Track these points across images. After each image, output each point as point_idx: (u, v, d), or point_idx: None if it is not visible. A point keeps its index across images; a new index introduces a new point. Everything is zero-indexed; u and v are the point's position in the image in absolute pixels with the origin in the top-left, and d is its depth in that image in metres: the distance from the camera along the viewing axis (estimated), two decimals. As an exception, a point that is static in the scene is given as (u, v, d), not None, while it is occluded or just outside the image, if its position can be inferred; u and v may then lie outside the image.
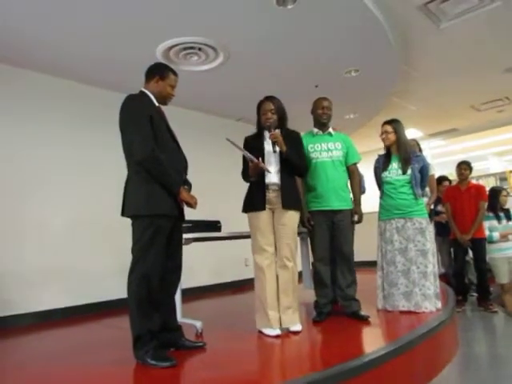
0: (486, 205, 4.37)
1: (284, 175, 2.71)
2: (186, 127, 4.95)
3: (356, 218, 3.12)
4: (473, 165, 4.55)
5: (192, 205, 2.37)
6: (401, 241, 3.18)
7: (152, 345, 2.14)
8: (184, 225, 3.06)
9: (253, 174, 2.70)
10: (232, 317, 3.55)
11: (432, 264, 3.14)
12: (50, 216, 4.00)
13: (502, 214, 4.48)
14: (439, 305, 3.10)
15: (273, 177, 2.71)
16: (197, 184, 4.71)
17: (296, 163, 2.73)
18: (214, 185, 5.17)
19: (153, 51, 3.68)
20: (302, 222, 2.98)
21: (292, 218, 2.70)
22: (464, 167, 4.43)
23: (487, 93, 5.90)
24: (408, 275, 3.12)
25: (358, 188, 3.15)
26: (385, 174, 3.29)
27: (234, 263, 5.52)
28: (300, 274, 4.16)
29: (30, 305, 3.74)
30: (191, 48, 3.71)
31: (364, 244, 4.08)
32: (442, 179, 5.23)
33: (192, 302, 4.54)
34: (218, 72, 4.25)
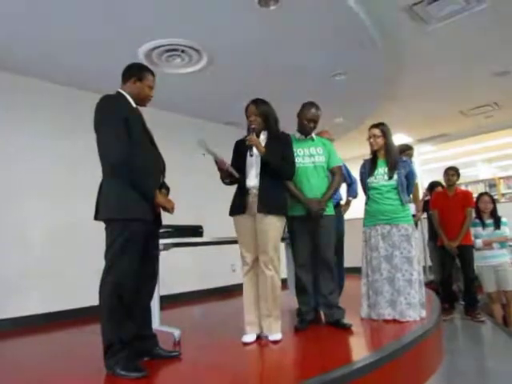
0: (473, 211, 4.32)
1: (264, 179, 2.63)
2: (171, 131, 4.90)
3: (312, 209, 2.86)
4: (462, 171, 4.51)
5: (169, 209, 2.29)
6: (386, 247, 3.10)
7: (123, 354, 2.06)
8: (164, 230, 2.99)
9: (223, 176, 2.68)
10: (214, 324, 3.47)
11: (417, 272, 3.07)
12: (31, 222, 3.92)
13: (489, 221, 4.41)
14: (424, 313, 3.04)
15: (252, 180, 2.65)
16: (183, 188, 4.67)
17: (277, 166, 2.64)
18: (201, 189, 5.09)
19: (135, 53, 3.61)
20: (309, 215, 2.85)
21: (273, 223, 2.60)
22: (451, 173, 4.38)
23: (476, 98, 5.89)
24: (393, 283, 3.05)
25: (335, 187, 3.01)
26: (370, 180, 3.21)
27: (221, 268, 5.43)
28: (286, 280, 4.10)
29: (10, 310, 3.66)
30: (174, 50, 3.64)
31: (351, 250, 4.00)
32: (434, 185, 5.19)
33: (176, 308, 4.45)
34: (202, 75, 4.18)
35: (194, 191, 4.93)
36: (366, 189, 3.30)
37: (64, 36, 3.35)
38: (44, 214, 4.00)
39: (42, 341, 3.30)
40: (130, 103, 2.28)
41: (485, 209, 4.42)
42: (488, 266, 4.33)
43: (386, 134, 3.20)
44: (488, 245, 4.34)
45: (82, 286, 4.00)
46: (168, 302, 4.50)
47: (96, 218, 2.18)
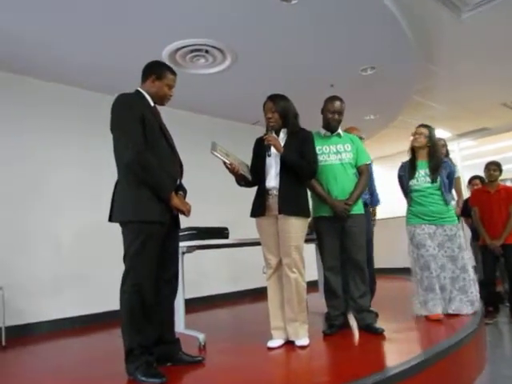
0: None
1: (284, 179, 2.54)
2: (196, 132, 4.89)
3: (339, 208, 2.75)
4: (509, 166, 4.20)
5: (184, 212, 2.22)
6: (434, 246, 3.12)
7: (143, 359, 2.02)
8: (187, 232, 2.97)
9: (237, 179, 2.63)
10: (242, 328, 3.42)
11: (460, 270, 3.11)
12: (59, 225, 4.00)
13: None
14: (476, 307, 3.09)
15: (272, 181, 2.56)
16: (213, 189, 4.65)
17: (296, 166, 2.53)
18: (230, 189, 5.05)
19: (159, 54, 3.61)
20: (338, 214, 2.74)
21: (295, 224, 2.50)
22: (493, 168, 4.09)
23: (519, 89, 5.52)
24: (439, 281, 3.09)
25: (362, 187, 2.86)
26: (413, 182, 3.22)
27: (251, 270, 5.37)
28: (317, 282, 3.98)
29: (42, 314, 3.75)
30: (198, 50, 3.63)
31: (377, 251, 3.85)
32: (472, 178, 5.01)
33: (206, 311, 4.44)
34: (227, 75, 4.15)
35: (223, 192, 4.88)
36: (406, 191, 3.29)
37: (87, 37, 3.39)
38: (77, 216, 4.08)
39: (73, 344, 3.36)
40: (147, 102, 2.23)
41: None
42: None
43: (432, 137, 3.22)
44: None
45: (116, 288, 4.08)
46: (196, 304, 4.52)
47: (110, 219, 2.16)
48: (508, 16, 3.63)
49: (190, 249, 2.82)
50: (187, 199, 2.36)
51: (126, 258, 2.09)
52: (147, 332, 2.09)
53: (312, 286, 4.43)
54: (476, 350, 2.73)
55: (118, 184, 2.17)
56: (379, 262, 3.98)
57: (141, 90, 2.26)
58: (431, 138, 3.21)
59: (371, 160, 3.05)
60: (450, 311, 3.06)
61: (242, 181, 2.64)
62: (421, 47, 4.03)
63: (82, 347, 3.20)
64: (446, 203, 3.12)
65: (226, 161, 2.46)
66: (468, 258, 3.17)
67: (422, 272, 3.12)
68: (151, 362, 2.05)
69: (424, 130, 3.21)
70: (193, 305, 4.31)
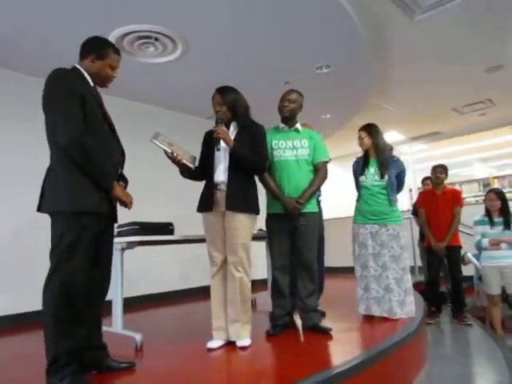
0: (461, 210, 4.12)
1: (233, 174, 2.45)
2: (146, 124, 4.65)
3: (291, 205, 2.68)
4: (457, 170, 4.33)
5: (127, 203, 2.05)
6: (374, 246, 3.13)
7: (69, 370, 1.80)
8: (129, 227, 2.82)
9: (181, 170, 2.52)
10: (184, 327, 3.29)
11: (403, 271, 3.08)
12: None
13: (498, 220, 4.05)
14: (413, 312, 3.02)
15: (221, 175, 2.47)
16: (158, 183, 4.46)
17: (246, 160, 2.45)
18: (177, 184, 4.89)
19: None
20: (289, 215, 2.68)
21: (242, 222, 2.42)
22: (440, 170, 4.19)
23: (468, 94, 5.70)
24: (380, 281, 3.07)
25: (317, 185, 2.81)
26: (362, 179, 3.25)
27: (198, 268, 5.23)
28: (266, 281, 3.93)
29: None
30: (146, 37, 3.45)
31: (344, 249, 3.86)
32: (425, 178, 5.17)
33: (148, 310, 4.28)
34: (178, 65, 3.99)
35: (169, 187, 4.68)
36: (357, 186, 3.31)
37: (25, 21, 3.15)
38: (5, 210, 3.79)
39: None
40: (87, 81, 2.01)
41: (491, 206, 4.11)
42: (494, 266, 4.00)
43: (372, 135, 3.24)
44: (495, 245, 4.01)
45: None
46: (138, 303, 4.36)
47: (39, 209, 1.94)
48: (459, 20, 3.70)
49: (131, 245, 2.68)
50: (129, 191, 2.17)
51: (54, 253, 1.86)
52: (77, 336, 1.87)
53: (262, 284, 4.39)
54: (417, 349, 2.77)
55: (51, 170, 1.93)
56: (331, 260, 3.98)
57: (79, 68, 2.03)
58: (372, 136, 3.23)
59: (330, 158, 2.99)
60: (385, 314, 3.01)
61: (185, 172, 2.53)
62: (375, 48, 4.06)
63: (9, 350, 2.95)
64: (391, 203, 3.14)
65: (167, 149, 2.35)
66: (408, 258, 3.16)
67: (361, 270, 3.17)
68: (78, 371, 1.85)
69: (362, 134, 3.27)
70: (134, 304, 4.14)
